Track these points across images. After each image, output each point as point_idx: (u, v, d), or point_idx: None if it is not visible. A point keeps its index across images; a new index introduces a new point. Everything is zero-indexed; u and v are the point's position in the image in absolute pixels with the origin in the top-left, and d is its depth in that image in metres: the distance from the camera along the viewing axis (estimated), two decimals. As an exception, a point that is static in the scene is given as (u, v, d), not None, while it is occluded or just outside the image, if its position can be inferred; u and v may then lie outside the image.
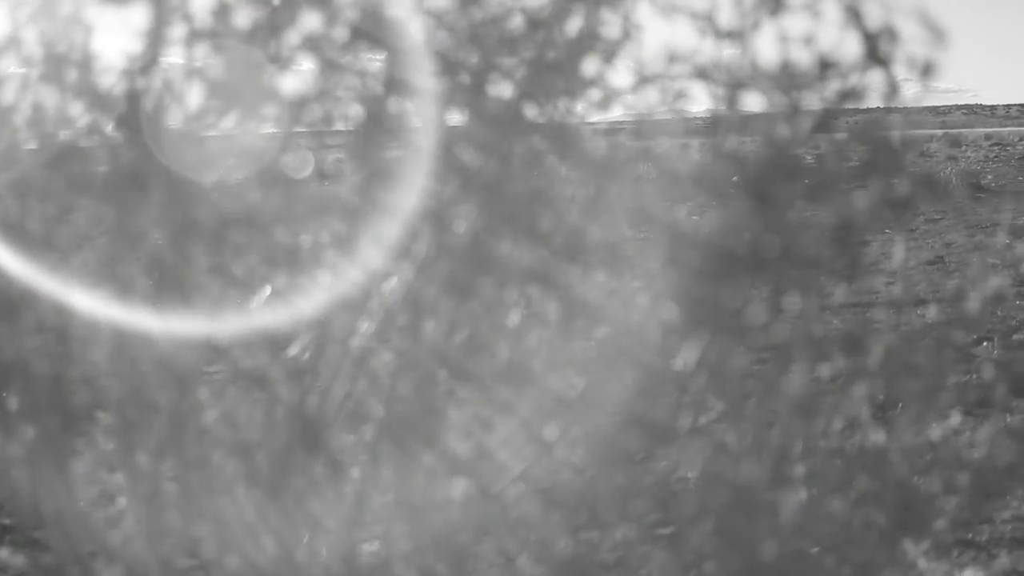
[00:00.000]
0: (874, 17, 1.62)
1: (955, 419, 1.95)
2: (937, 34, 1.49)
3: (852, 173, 1.58)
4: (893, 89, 1.64)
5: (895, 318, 1.88)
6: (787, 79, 1.55)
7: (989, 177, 22.07)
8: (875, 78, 1.63)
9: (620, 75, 1.77)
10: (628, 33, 1.76)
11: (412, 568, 1.82)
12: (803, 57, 1.58)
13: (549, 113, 1.72)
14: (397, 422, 1.61)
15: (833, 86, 1.59)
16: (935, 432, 1.90)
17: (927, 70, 1.54)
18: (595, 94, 1.78)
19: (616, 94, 1.77)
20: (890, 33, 1.62)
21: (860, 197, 1.56)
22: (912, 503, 1.96)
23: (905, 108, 1.68)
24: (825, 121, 1.57)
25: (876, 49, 1.62)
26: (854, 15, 1.58)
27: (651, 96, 1.73)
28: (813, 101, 1.59)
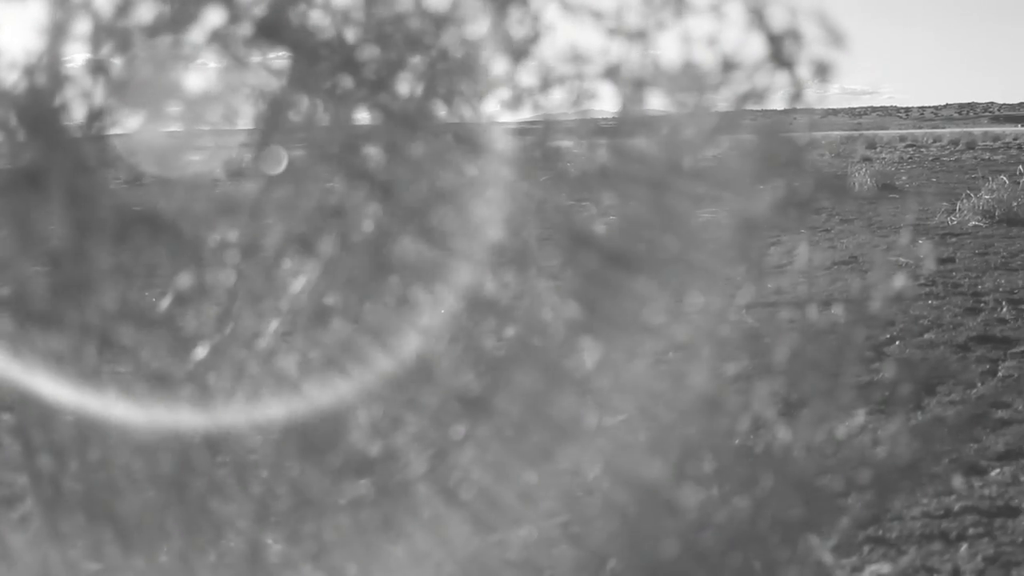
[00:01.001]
0: (778, 19, 1.63)
1: (860, 417, 1.97)
2: (836, 37, 1.50)
3: (755, 173, 1.59)
4: (798, 90, 1.65)
5: (801, 317, 1.89)
6: (690, 80, 1.56)
7: (903, 178, 22.33)
8: (779, 79, 1.64)
9: (530, 75, 1.77)
10: (537, 33, 1.76)
11: (320, 569, 1.81)
12: (707, 58, 1.59)
13: (456, 112, 1.72)
14: (301, 422, 1.60)
15: (736, 87, 1.60)
16: (840, 430, 1.92)
17: (824, 72, 1.55)
18: (504, 93, 1.78)
19: (526, 94, 1.77)
20: (794, 35, 1.64)
21: (762, 197, 1.57)
22: (817, 501, 1.97)
23: (811, 109, 1.69)
24: (728, 122, 1.58)
25: (780, 51, 1.63)
26: (758, 17, 1.59)
27: (559, 96, 1.73)
28: (716, 102, 1.60)
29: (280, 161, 1.68)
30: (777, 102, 1.68)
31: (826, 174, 1.55)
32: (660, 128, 1.56)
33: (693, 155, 1.56)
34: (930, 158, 38.06)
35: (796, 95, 1.66)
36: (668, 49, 1.63)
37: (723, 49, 1.60)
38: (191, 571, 1.81)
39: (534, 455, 1.64)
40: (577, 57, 1.64)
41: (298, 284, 1.70)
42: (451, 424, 1.64)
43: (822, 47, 1.54)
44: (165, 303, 1.70)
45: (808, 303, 1.87)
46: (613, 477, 1.64)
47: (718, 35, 1.61)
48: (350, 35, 1.64)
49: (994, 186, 14.89)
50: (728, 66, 1.58)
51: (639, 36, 1.60)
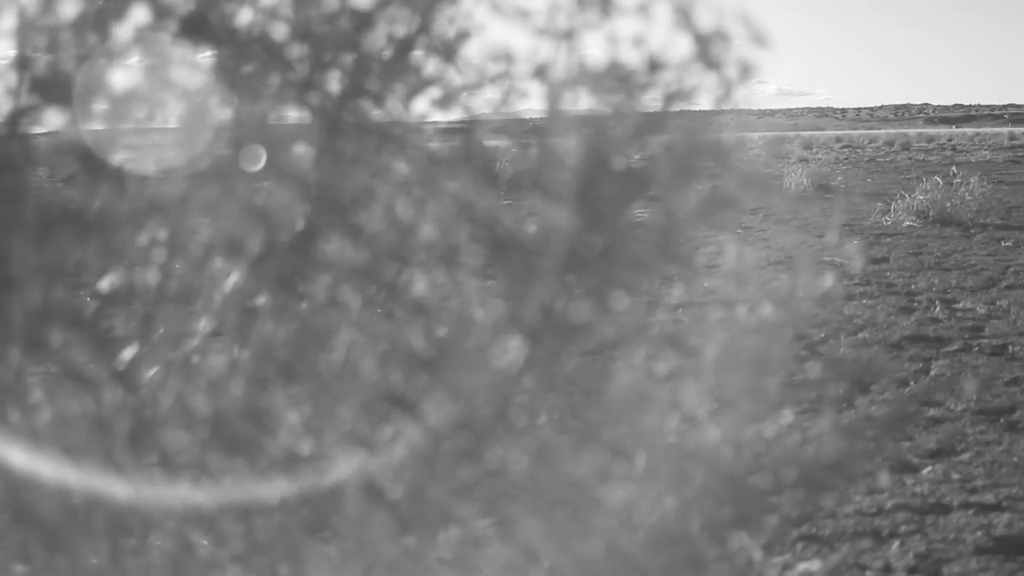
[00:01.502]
0: (705, 20, 1.63)
1: (789, 416, 1.98)
2: (759, 37, 1.51)
3: (682, 173, 1.59)
4: (726, 91, 1.66)
5: (731, 316, 1.90)
6: (616, 79, 1.56)
7: (839, 179, 22.48)
8: (706, 80, 1.65)
9: (460, 74, 1.77)
10: (467, 32, 1.76)
11: (247, 569, 1.80)
12: (633, 58, 1.59)
13: (385, 111, 1.72)
14: (226, 422, 1.60)
15: (662, 87, 1.60)
16: (769, 429, 1.93)
17: (749, 72, 1.56)
18: (434, 93, 1.78)
19: (456, 93, 1.77)
20: (722, 36, 1.64)
21: (688, 197, 1.58)
22: (747, 499, 1.98)
23: (741, 110, 1.70)
24: (656, 122, 1.58)
25: (707, 51, 1.64)
26: (685, 17, 1.60)
27: (489, 96, 1.73)
28: (642, 102, 1.60)
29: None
30: (706, 103, 1.68)
31: (751, 173, 1.55)
32: (587, 128, 1.57)
33: (620, 155, 1.56)
34: (865, 159, 38.37)
35: (724, 95, 1.66)
36: (595, 49, 1.63)
37: (650, 49, 1.61)
38: (121, 572, 1.79)
39: (464, 454, 1.63)
40: (506, 57, 1.64)
41: (227, 284, 1.69)
42: (379, 424, 1.64)
43: (748, 47, 1.55)
44: (92, 303, 1.69)
45: (738, 303, 1.88)
46: (543, 476, 1.64)
47: (645, 35, 1.61)
48: (278, 33, 1.64)
49: (928, 187, 15.05)
50: (654, 66, 1.58)
51: (567, 36, 1.61)
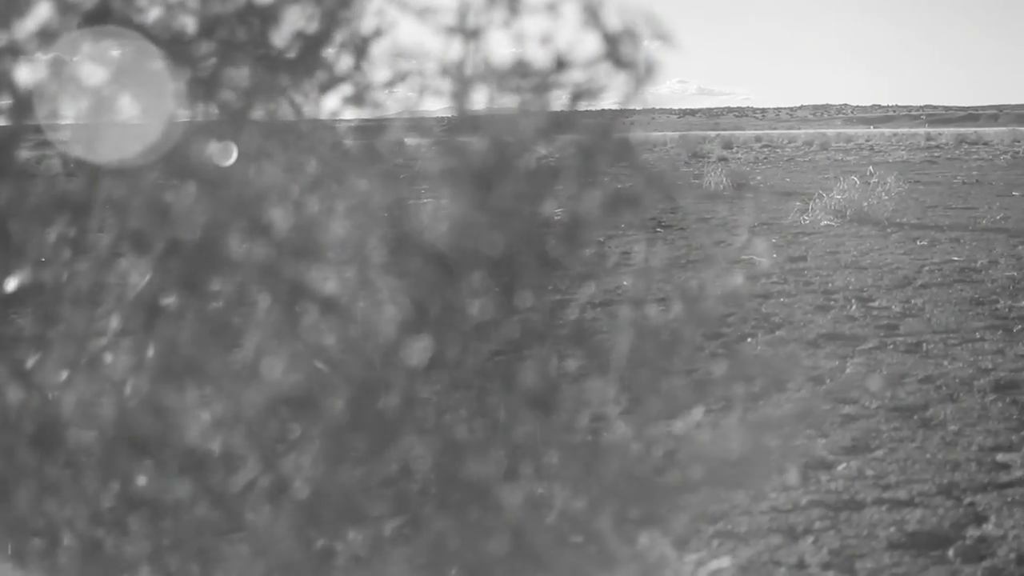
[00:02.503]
0: (614, 19, 1.64)
1: (699, 413, 1.99)
2: (664, 36, 1.52)
3: (585, 172, 1.60)
4: (635, 89, 1.67)
5: (641, 314, 1.91)
6: (522, 77, 1.56)
7: (759, 178, 22.65)
8: (614, 78, 1.65)
9: (371, 71, 1.77)
10: (379, 30, 1.75)
11: (157, 569, 1.79)
12: (540, 56, 1.59)
13: (294, 108, 1.71)
14: (132, 422, 1.58)
15: (570, 85, 1.60)
16: (679, 426, 1.94)
17: (652, 71, 1.57)
18: (346, 90, 1.77)
19: (366, 90, 1.77)
20: (630, 34, 1.65)
21: (594, 196, 1.58)
22: (657, 496, 1.99)
23: (652, 109, 1.71)
24: (563, 120, 1.58)
25: (616, 50, 1.64)
26: (593, 16, 1.60)
27: (399, 93, 1.72)
28: (549, 100, 1.60)
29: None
30: (616, 101, 1.69)
31: (658, 172, 1.56)
32: (494, 126, 1.57)
33: (527, 153, 1.56)
34: (785, 158, 38.64)
35: (633, 94, 1.67)
36: (503, 47, 1.63)
37: (557, 47, 1.61)
38: (26, 572, 1.77)
39: (367, 455, 1.63)
40: (415, 54, 1.64)
41: (133, 282, 1.67)
42: (284, 424, 1.63)
43: (659, 47, 1.56)
44: (-6, 301, 1.67)
45: (648, 301, 1.89)
46: (445, 475, 1.64)
47: (553, 34, 1.62)
48: (184, 29, 1.62)
49: (845, 186, 15.19)
50: (561, 64, 1.59)
51: (475, 34, 1.61)
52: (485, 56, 1.60)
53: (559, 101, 1.61)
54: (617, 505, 1.89)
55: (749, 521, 4.18)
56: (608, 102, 1.64)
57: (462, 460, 1.62)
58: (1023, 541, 3.92)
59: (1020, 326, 7.67)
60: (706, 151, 40.13)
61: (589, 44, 1.61)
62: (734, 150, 45.63)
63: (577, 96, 1.59)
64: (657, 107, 1.68)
